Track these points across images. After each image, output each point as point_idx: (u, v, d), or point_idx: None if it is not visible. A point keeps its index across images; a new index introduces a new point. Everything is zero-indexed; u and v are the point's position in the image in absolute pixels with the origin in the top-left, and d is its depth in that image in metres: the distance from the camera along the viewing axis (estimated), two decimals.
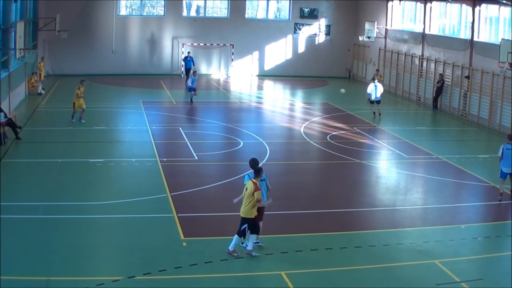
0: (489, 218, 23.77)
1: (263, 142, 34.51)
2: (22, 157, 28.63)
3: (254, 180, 18.64)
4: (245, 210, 18.57)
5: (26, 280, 17.10)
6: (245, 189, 18.86)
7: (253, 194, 18.43)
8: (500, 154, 25.42)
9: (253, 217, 18.70)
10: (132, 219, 21.81)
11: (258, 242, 19.35)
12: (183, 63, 57.13)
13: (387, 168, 31.00)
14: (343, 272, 18.77)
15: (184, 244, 20.00)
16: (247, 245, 18.93)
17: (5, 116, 30.78)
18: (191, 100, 44.73)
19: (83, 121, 33.19)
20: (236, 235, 18.77)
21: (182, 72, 58.00)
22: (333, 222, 22.47)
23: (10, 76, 37.04)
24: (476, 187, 28.06)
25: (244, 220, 18.69)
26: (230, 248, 18.84)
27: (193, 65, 56.92)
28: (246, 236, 18.80)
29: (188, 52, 57.24)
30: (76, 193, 24.03)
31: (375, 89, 41.00)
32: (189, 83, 45.21)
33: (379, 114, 41.37)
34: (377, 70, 54.03)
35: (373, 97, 41.29)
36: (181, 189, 25.51)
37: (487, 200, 26.13)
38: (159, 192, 24.68)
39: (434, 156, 33.11)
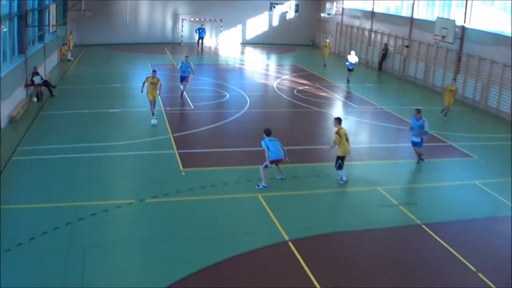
0: (431, 154, 23.88)
1: (244, 94, 34.45)
2: (56, 110, 28.47)
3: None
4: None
5: (55, 208, 17.14)
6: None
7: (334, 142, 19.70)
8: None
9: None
10: (142, 155, 21.86)
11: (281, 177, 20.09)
12: (196, 33, 57.19)
13: (340, 115, 30.98)
14: (306, 195, 19.05)
15: (183, 173, 20.13)
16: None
17: (41, 78, 30.58)
18: (182, 94, 32.95)
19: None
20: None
21: (182, 40, 58.12)
22: (298, 156, 22.58)
23: (45, 47, 36.75)
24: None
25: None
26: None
27: (205, 33, 57.44)
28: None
29: (202, 24, 57.96)
30: (98, 136, 23.99)
31: (350, 62, 40.12)
32: (182, 72, 32.29)
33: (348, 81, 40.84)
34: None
35: (351, 66, 40.49)
36: (181, 131, 25.53)
37: (428, 141, 26.29)
38: (163, 134, 24.72)
39: (378, 107, 33.19)
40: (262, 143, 18.96)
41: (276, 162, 19.13)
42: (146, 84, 26.82)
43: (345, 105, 33.80)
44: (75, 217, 16.02)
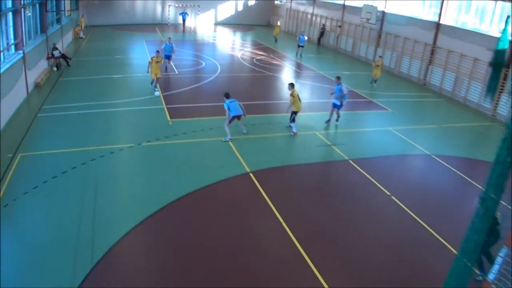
0: (349, 108, 24.17)
1: (216, 63, 34.17)
2: (72, 76, 27.95)
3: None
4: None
5: (72, 152, 17.06)
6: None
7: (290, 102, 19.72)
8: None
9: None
10: (139, 110, 21.68)
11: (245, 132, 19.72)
12: (180, 16, 56.03)
13: (288, 78, 31.03)
14: (263, 138, 19.16)
15: (170, 123, 20.06)
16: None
17: (60, 52, 30.04)
18: (166, 68, 30.48)
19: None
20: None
21: (169, 21, 56.91)
22: (257, 109, 22.67)
23: (62, 28, 35.88)
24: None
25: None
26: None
27: (188, 15, 56.33)
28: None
29: (184, 9, 56.73)
30: (105, 96, 23.66)
31: (303, 39, 39.48)
32: (166, 51, 30.11)
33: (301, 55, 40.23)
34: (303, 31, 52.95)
35: (301, 43, 39.87)
36: (168, 90, 25.29)
37: (348, 98, 26.56)
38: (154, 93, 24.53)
39: (316, 72, 33.26)
40: (224, 104, 18.65)
41: (237, 117, 18.81)
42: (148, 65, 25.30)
43: (291, 71, 33.76)
44: (88, 159, 15.99)
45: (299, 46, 39.11)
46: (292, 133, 19.84)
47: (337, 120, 21.84)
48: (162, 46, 30.87)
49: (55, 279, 10.09)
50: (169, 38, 31.06)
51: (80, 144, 17.16)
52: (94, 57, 34.00)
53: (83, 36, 44.28)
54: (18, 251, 10.99)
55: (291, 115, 19.92)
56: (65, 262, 10.66)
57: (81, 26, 46.62)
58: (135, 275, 10.56)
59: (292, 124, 19.86)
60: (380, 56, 31.96)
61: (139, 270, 10.76)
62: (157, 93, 24.50)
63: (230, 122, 18.64)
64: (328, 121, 21.78)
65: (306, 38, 39.83)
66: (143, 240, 11.86)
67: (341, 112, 22.14)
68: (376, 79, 30.14)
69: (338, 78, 21.71)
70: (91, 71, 29.12)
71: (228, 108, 18.51)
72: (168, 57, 30.15)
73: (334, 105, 21.50)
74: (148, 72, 25.38)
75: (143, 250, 11.53)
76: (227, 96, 18.79)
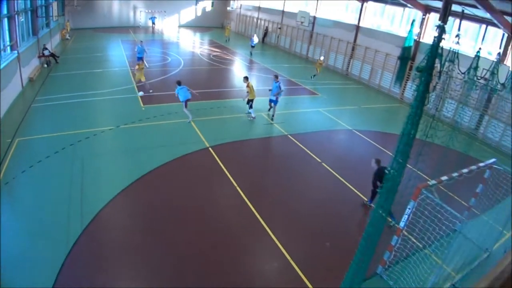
0: (287, 94, 24.27)
1: (180, 58, 33.49)
2: (60, 71, 26.78)
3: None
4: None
5: (62, 135, 16.50)
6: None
7: (247, 92, 19.09)
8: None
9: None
10: (116, 98, 21.03)
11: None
12: (150, 20, 54.25)
13: (238, 70, 30.86)
14: (220, 119, 19.03)
15: (143, 109, 19.62)
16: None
17: (49, 51, 28.75)
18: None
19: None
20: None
21: (140, 24, 55.04)
22: (214, 95, 22.46)
23: (51, 31, 34.15)
24: (282, 79, 28.37)
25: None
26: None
27: (156, 19, 54.37)
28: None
29: (153, 14, 54.80)
30: (88, 87, 22.77)
31: (253, 41, 38.51)
32: (138, 53, 27.15)
33: (251, 54, 39.55)
34: (266, 31, 52.00)
35: (253, 44, 38.24)
36: (141, 82, 24.71)
37: (287, 85, 26.69)
38: (129, 84, 23.78)
39: (261, 65, 33.13)
40: (176, 90, 18.25)
41: (187, 101, 18.18)
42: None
43: (241, 64, 33.50)
44: (75, 140, 15.49)
45: (251, 46, 38.19)
46: (250, 118, 19.35)
47: (272, 119, 19.58)
48: (136, 49, 29.70)
49: (50, 244, 9.83)
50: (141, 41, 29.86)
51: (68, 129, 16.55)
52: (79, 55, 32.67)
53: (69, 38, 42.35)
54: (18, 221, 10.62)
55: (248, 102, 19.63)
56: (60, 227, 10.40)
57: (67, 29, 44.56)
58: (120, 235, 10.40)
59: (250, 110, 19.57)
60: (323, 56, 31.67)
61: (123, 229, 10.60)
62: (140, 93, 23.74)
63: (185, 106, 18.16)
64: (270, 109, 20.15)
65: (256, 40, 38.40)
66: (124, 205, 11.68)
67: (282, 97, 22.02)
68: (317, 74, 29.49)
69: (276, 76, 19.63)
70: (76, 67, 28.01)
71: (177, 94, 18.03)
72: (140, 59, 28.90)
73: (271, 101, 19.60)
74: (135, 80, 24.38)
75: (125, 213, 11.36)
76: (178, 83, 18.21)
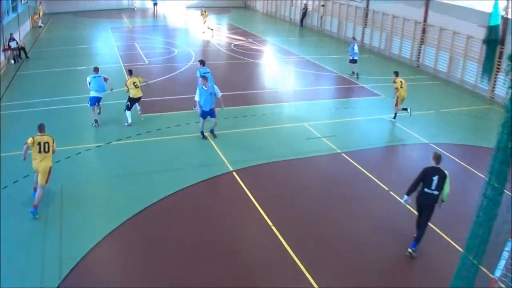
0: (337, 96, 24.10)
1: (190, 49, 33.90)
2: (31, 70, 27.45)
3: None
4: None
5: None
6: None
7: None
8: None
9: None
10: (106, 105, 21.24)
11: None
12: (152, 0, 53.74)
13: (270, 64, 30.91)
14: (246, 132, 19.04)
15: (142, 118, 19.75)
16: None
17: (17, 43, 29.54)
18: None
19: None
20: None
21: (135, 6, 55.88)
22: (238, 99, 22.53)
23: (19, 16, 35.20)
24: (329, 76, 28.34)
25: None
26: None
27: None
28: None
29: None
30: (68, 90, 23.20)
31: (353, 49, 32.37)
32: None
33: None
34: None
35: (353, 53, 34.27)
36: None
37: (336, 84, 26.51)
38: (123, 85, 24.05)
39: (301, 56, 33.13)
40: (197, 72, 19.56)
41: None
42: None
43: (273, 56, 33.55)
44: (52, 161, 15.59)
45: (352, 59, 28.25)
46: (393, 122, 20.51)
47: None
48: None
49: None
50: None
51: None
52: (55, 48, 33.47)
53: (42, 25, 43.58)
54: None
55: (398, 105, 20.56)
56: (31, 277, 10.34)
57: (39, 14, 45.89)
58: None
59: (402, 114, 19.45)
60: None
61: (115, 280, 10.47)
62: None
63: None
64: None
65: (356, 49, 28.19)
66: (117, 249, 11.60)
67: (330, 100, 22.08)
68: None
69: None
70: (52, 63, 28.64)
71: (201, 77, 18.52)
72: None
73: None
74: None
75: (118, 259, 11.27)
76: (202, 63, 19.87)
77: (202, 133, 18.11)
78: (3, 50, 28.50)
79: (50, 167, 13.04)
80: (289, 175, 15.77)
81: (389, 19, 34.82)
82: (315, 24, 45.87)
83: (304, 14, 47.40)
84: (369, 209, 13.90)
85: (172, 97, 22.92)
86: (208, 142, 17.77)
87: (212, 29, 40.86)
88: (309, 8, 46.90)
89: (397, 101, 20.61)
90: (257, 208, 13.48)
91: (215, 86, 17.84)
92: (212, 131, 18.26)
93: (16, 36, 31.68)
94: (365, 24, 37.90)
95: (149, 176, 15.08)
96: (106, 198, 13.81)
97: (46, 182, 12.92)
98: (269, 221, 12.86)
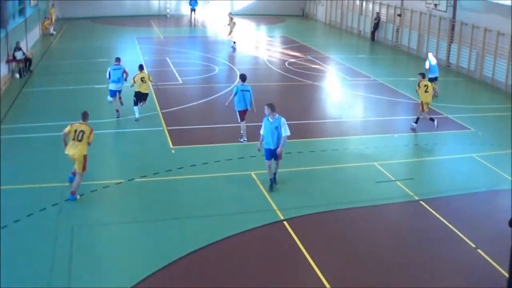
0: (418, 129, 23.83)
1: (234, 67, 34.24)
2: (39, 86, 28.19)
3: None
4: None
5: (41, 189, 16.93)
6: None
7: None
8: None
9: None
10: (130, 132, 21.64)
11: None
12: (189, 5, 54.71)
13: (333, 88, 30.90)
14: (301, 172, 18.99)
15: (173, 151, 20.01)
16: None
17: (23, 53, 30.21)
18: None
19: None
20: None
21: (168, 13, 56.95)
22: (292, 131, 22.41)
23: (27, 21, 36.22)
24: (407, 104, 28.11)
25: None
26: None
27: (197, 4, 54.86)
28: None
29: None
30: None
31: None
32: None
33: None
34: None
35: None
36: (169, 107, 25.27)
37: (415, 114, 26.20)
38: (152, 110, 24.48)
39: (372, 79, 33.07)
40: (234, 90, 20.83)
41: (243, 112, 20.91)
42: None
43: (338, 78, 33.55)
44: (62, 198, 15.84)
45: (431, 77, 28.22)
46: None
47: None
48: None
49: None
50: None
51: (52, 179, 17.05)
52: (69, 60, 34.34)
53: (54, 32, 44.81)
54: None
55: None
56: None
57: (51, 19, 47.13)
58: None
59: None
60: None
61: None
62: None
63: (240, 118, 20.38)
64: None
65: (434, 61, 29.56)
66: None
67: (406, 134, 22.37)
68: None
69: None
70: (65, 80, 29.31)
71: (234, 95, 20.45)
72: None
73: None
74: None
75: None
76: (243, 78, 20.95)
77: (271, 180, 17.43)
78: (7, 62, 29.07)
79: (85, 155, 15.71)
80: (354, 228, 15.57)
81: (480, 32, 34.54)
82: (389, 38, 45.92)
83: (376, 26, 47.55)
84: (449, 270, 13.54)
85: (211, 125, 23.07)
86: (254, 183, 17.75)
87: (234, 42, 41.44)
88: (383, 18, 47.01)
89: (422, 106, 22.95)
90: (313, 269, 13.27)
91: (282, 119, 17.42)
92: (273, 178, 17.54)
93: (23, 45, 32.45)
94: (451, 39, 37.67)
95: (179, 223, 15.16)
96: (125, 247, 13.88)
97: (84, 169, 15.72)
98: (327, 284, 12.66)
